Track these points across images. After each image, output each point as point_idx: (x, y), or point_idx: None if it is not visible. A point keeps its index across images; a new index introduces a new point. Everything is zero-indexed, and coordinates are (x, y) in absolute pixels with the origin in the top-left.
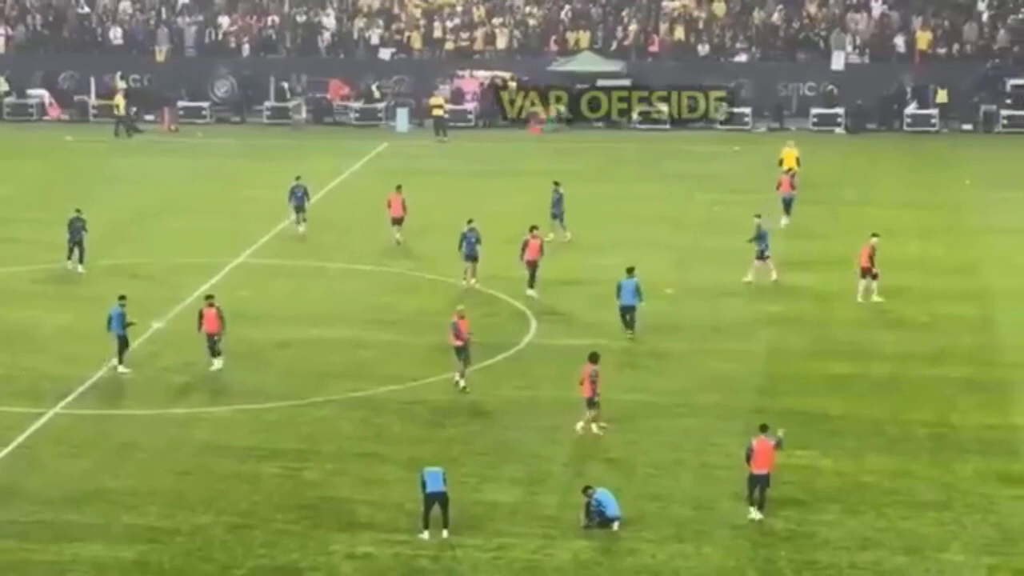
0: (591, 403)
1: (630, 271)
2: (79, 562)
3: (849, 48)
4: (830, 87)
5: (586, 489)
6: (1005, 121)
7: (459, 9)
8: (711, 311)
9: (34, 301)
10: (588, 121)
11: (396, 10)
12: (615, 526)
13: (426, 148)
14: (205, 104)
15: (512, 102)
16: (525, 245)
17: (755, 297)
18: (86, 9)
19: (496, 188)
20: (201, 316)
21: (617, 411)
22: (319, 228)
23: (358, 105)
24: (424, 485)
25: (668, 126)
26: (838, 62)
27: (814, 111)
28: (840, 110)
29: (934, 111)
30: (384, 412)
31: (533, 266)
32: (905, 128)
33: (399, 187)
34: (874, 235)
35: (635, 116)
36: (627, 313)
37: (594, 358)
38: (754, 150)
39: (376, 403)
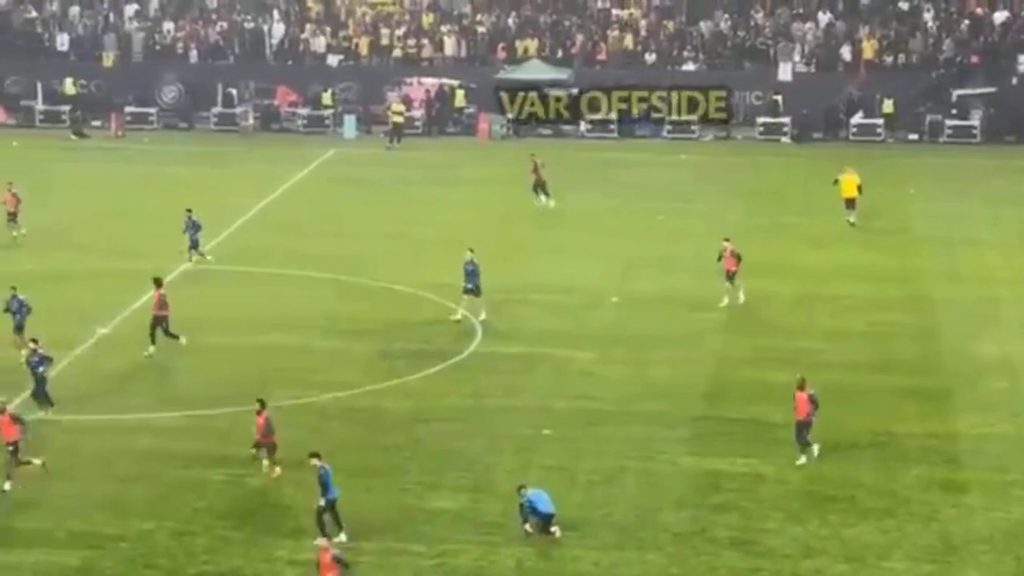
0: (273, 448)
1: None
2: (22, 568)
3: (796, 58)
4: (775, 96)
5: (520, 488)
6: (950, 131)
7: (407, 17)
8: (656, 320)
9: None
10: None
11: (343, 17)
12: (556, 532)
13: (374, 155)
14: (152, 110)
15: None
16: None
17: (700, 306)
18: (33, 14)
19: (444, 196)
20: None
21: (561, 419)
22: (266, 234)
23: (306, 112)
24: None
25: (616, 134)
26: (785, 72)
27: (760, 120)
28: (786, 119)
29: (880, 121)
30: (329, 419)
31: (160, 321)
32: (851, 138)
33: (10, 183)
34: (726, 239)
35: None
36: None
37: (263, 404)
38: (700, 160)
39: (321, 410)
